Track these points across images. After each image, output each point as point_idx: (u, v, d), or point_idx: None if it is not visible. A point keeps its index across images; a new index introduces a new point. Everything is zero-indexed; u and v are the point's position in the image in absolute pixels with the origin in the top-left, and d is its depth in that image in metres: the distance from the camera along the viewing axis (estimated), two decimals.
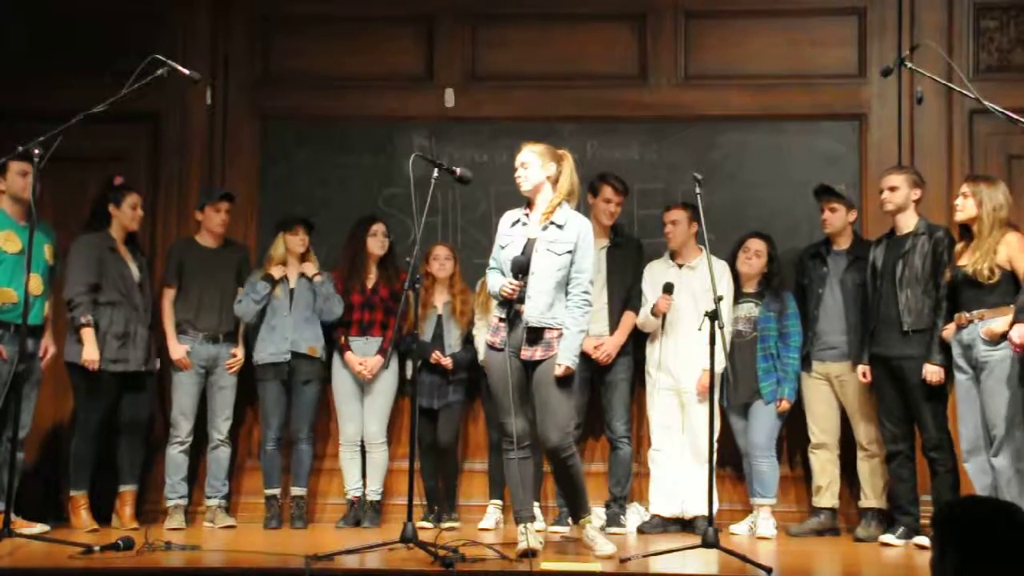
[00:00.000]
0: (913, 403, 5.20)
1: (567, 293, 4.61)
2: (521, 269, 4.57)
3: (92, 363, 5.43)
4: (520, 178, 4.70)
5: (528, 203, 4.75)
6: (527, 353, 4.57)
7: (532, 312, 4.56)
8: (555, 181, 4.69)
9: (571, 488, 4.68)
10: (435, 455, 5.90)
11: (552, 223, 4.63)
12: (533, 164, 4.67)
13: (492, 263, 4.81)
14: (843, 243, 5.62)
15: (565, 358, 4.52)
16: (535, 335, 4.57)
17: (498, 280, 4.67)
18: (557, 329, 4.56)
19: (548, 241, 4.60)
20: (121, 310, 5.58)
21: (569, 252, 4.59)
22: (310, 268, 5.87)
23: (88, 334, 5.44)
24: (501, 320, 4.62)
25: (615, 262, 5.77)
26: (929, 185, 5.55)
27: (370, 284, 5.89)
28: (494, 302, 4.80)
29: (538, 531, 4.93)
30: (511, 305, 4.59)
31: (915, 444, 5.30)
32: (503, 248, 4.71)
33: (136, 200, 5.71)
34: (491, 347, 4.67)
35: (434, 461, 5.90)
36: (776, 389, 5.53)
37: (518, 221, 4.73)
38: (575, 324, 4.58)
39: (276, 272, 5.80)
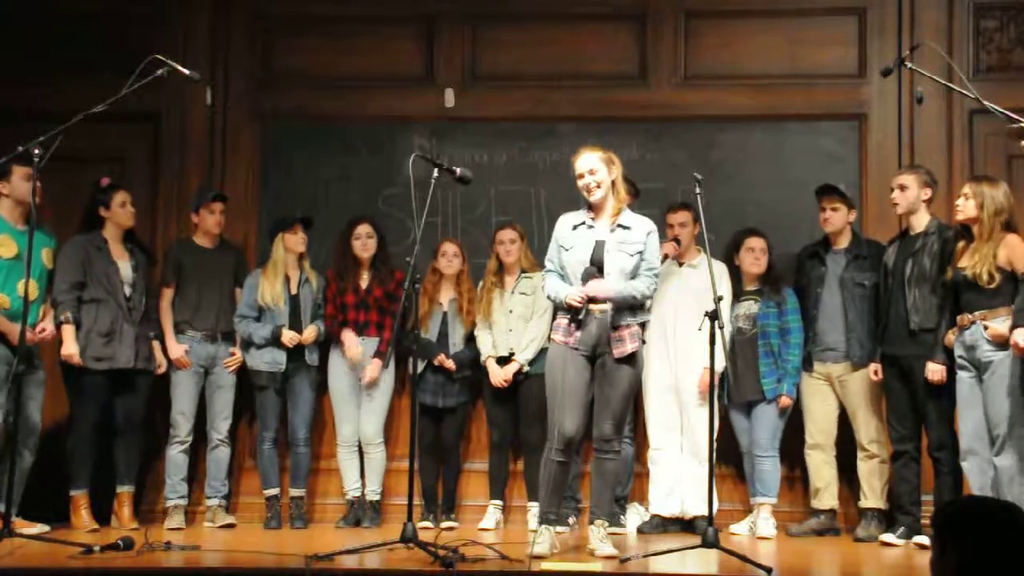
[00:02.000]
0: (921, 402, 5.20)
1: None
2: (593, 277, 4.58)
3: (71, 358, 5.44)
4: (592, 186, 4.68)
5: (589, 206, 4.75)
6: (618, 350, 4.57)
7: (610, 312, 4.59)
8: (613, 183, 4.74)
9: (603, 485, 4.68)
10: (435, 455, 5.90)
11: (619, 225, 4.68)
12: (601, 170, 4.69)
13: (549, 265, 4.80)
14: (842, 242, 5.61)
15: (601, 288, 4.54)
16: (614, 332, 4.59)
17: (561, 286, 4.67)
18: (627, 326, 4.60)
19: (618, 242, 4.65)
20: (106, 308, 5.56)
21: (639, 252, 4.65)
22: (311, 334, 5.83)
23: (67, 331, 5.45)
24: (571, 322, 4.61)
25: None
26: None
27: (363, 284, 5.88)
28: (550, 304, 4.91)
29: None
30: (582, 308, 4.58)
31: (921, 445, 5.31)
32: (567, 250, 4.69)
33: (124, 197, 5.69)
34: (561, 345, 4.63)
35: (434, 461, 5.90)
36: (777, 387, 5.54)
37: (582, 224, 4.72)
38: (635, 284, 4.60)
39: (287, 339, 5.75)
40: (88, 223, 5.68)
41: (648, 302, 4.75)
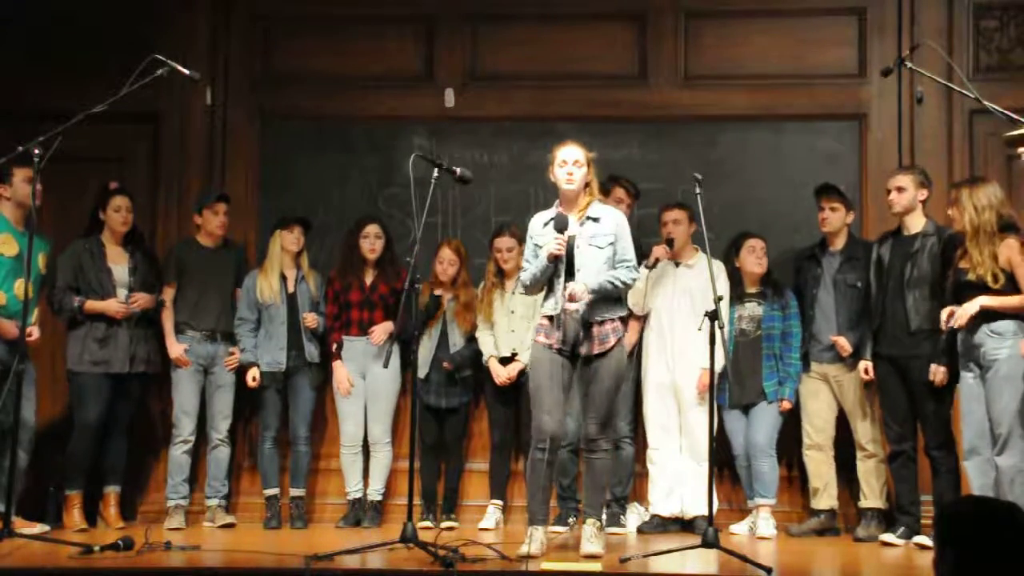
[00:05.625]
0: (918, 402, 5.20)
1: None
2: (563, 225, 4.59)
3: (121, 310, 5.55)
4: (573, 176, 4.70)
5: (559, 202, 4.78)
6: (585, 349, 4.61)
7: (585, 310, 4.59)
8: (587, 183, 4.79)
9: (593, 484, 4.71)
10: (436, 455, 5.90)
11: (588, 218, 4.71)
12: (583, 164, 4.73)
13: (526, 265, 4.82)
14: (838, 243, 5.61)
15: (580, 285, 4.55)
16: (589, 330, 4.62)
17: (533, 264, 4.70)
18: (610, 321, 4.63)
19: (588, 236, 4.67)
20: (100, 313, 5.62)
21: (611, 244, 4.68)
22: (311, 321, 5.86)
23: (92, 305, 5.53)
24: (550, 319, 4.64)
25: None
26: None
27: (368, 282, 5.88)
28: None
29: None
30: (559, 296, 4.59)
31: (918, 444, 5.31)
32: (541, 248, 4.69)
33: (121, 203, 5.70)
34: (543, 345, 4.66)
35: (435, 460, 5.90)
36: (778, 390, 5.54)
37: (552, 220, 4.72)
38: (615, 275, 4.62)
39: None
40: (91, 225, 5.74)
41: (624, 296, 4.79)
